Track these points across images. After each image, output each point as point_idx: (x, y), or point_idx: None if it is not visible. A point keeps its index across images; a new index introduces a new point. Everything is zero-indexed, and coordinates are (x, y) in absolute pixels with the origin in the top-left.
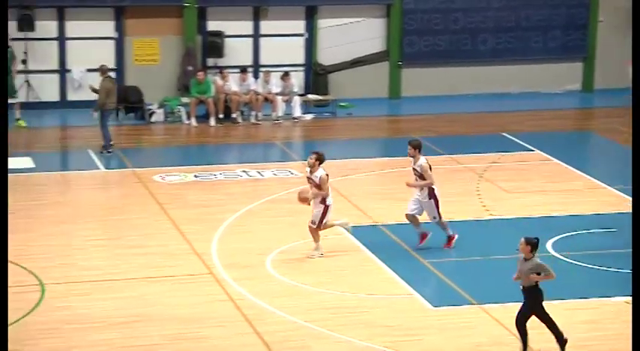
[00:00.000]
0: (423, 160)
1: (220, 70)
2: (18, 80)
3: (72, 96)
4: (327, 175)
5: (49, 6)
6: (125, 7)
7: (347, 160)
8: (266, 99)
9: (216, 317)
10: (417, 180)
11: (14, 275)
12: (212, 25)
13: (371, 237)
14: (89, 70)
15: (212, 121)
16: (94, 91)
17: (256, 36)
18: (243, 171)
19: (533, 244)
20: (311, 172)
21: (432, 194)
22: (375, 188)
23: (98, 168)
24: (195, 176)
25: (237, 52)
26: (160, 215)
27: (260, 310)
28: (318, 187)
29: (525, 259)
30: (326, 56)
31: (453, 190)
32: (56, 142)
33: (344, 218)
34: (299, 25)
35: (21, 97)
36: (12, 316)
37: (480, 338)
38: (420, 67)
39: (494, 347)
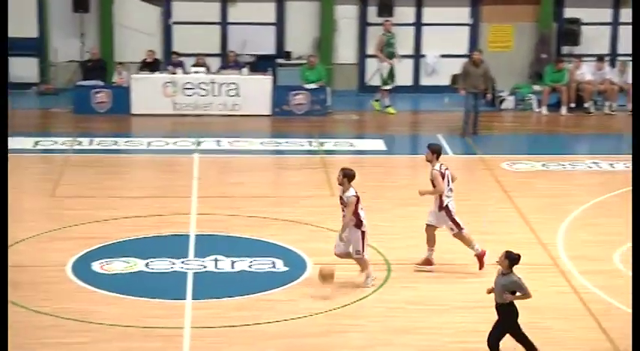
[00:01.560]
0: (437, 166)
1: (576, 58)
2: (374, 66)
3: (425, 81)
4: (358, 196)
5: None
6: None
7: None
8: (621, 89)
9: (560, 309)
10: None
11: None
12: (569, 12)
13: None
14: (443, 56)
15: (563, 110)
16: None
17: (615, 24)
18: (594, 162)
19: (513, 260)
20: (343, 192)
21: (441, 205)
22: None
23: (446, 153)
24: (543, 165)
25: (594, 40)
26: (505, 203)
27: (606, 305)
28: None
29: (503, 274)
30: None
31: None
32: (407, 126)
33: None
34: None
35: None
36: (359, 293)
37: None
38: None
39: None
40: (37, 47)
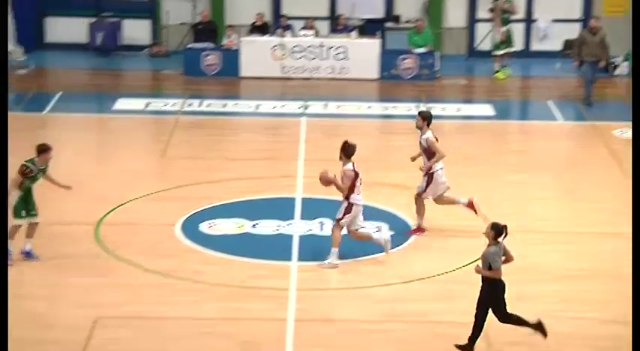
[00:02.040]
0: (429, 133)
1: None
2: (484, 30)
3: (536, 46)
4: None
5: None
6: None
7: None
8: None
9: None
10: (421, 155)
11: (470, 220)
12: None
13: None
14: (555, 21)
15: None
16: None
17: None
18: None
19: (498, 230)
20: (343, 165)
21: (428, 171)
22: None
23: (556, 119)
24: None
25: None
26: (616, 171)
27: None
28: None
29: (488, 246)
30: None
31: None
32: (517, 92)
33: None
34: None
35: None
36: (464, 258)
37: None
38: None
39: None
40: (149, 10)
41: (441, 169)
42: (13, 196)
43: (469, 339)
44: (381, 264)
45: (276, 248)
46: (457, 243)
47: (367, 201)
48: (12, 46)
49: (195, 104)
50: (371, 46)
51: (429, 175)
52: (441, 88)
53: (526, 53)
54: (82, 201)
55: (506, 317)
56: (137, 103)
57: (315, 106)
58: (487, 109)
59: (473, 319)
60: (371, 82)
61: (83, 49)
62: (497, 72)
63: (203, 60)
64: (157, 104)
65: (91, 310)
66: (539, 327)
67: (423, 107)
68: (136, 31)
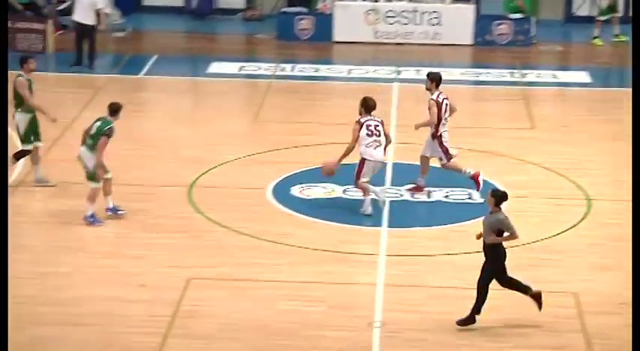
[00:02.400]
0: (434, 95)
1: None
2: None
3: None
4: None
5: None
6: None
7: None
8: None
9: None
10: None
11: (562, 188)
12: None
13: None
14: None
15: None
16: None
17: None
18: None
19: (499, 197)
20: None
21: (435, 134)
22: None
23: None
24: None
25: None
26: None
27: None
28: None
29: (490, 213)
30: None
31: None
32: (615, 58)
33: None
34: None
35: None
36: (556, 227)
37: None
38: None
39: None
40: None
41: (445, 132)
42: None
43: (472, 310)
44: (471, 231)
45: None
46: (554, 210)
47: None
48: (110, 9)
49: (287, 68)
50: (465, 11)
51: (439, 139)
52: (537, 54)
53: (625, 19)
54: (175, 163)
55: (509, 282)
56: (231, 67)
57: (408, 72)
58: (583, 77)
59: (509, 288)
60: (464, 48)
61: (179, 12)
62: (595, 38)
63: (296, 24)
64: (251, 68)
65: (184, 270)
66: (537, 297)
67: (517, 74)
68: None
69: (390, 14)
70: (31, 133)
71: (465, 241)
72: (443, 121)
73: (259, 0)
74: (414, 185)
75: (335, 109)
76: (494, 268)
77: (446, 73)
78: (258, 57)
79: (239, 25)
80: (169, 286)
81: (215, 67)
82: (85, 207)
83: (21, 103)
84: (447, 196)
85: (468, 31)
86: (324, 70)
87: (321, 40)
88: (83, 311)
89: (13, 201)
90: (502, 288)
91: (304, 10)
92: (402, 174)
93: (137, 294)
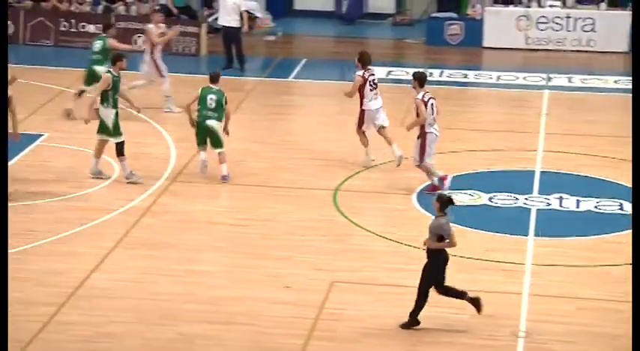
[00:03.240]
0: (419, 95)
1: None
2: None
3: None
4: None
5: None
6: None
7: None
8: None
9: None
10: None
11: None
12: None
13: None
14: None
15: None
16: None
17: None
18: None
19: (443, 202)
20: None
21: (421, 134)
22: None
23: None
24: None
25: None
26: None
27: None
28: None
29: (435, 218)
30: None
31: None
32: None
33: None
34: None
35: None
36: None
37: None
38: None
39: None
40: None
41: (430, 133)
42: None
43: (411, 314)
44: (624, 243)
45: (512, 222)
46: None
47: (608, 176)
48: (261, 13)
49: (436, 74)
50: (621, 18)
51: (422, 139)
52: None
53: None
54: (322, 166)
55: (444, 290)
56: (379, 72)
57: (559, 79)
58: None
59: (445, 295)
60: (619, 55)
61: (329, 16)
62: None
63: (446, 29)
64: (399, 73)
65: (327, 273)
66: (475, 302)
67: None
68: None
69: (541, 20)
70: (119, 126)
71: (616, 252)
72: (429, 122)
73: (409, 5)
74: (431, 185)
75: (483, 116)
76: (432, 271)
77: (599, 82)
78: (406, 62)
79: (388, 29)
80: (313, 288)
81: None
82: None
83: (106, 98)
84: (596, 207)
85: (624, 37)
86: (472, 75)
87: (471, 46)
88: (231, 310)
89: (162, 200)
90: None
91: (454, 15)
92: (550, 182)
93: (282, 295)
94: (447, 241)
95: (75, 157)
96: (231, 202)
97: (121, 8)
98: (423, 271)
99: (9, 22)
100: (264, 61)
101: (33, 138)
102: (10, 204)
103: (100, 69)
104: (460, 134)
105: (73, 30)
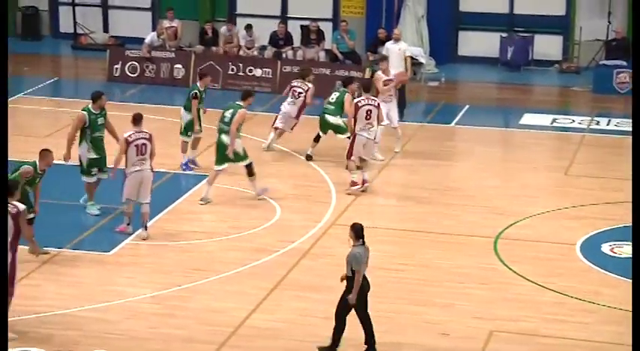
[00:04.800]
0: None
1: None
2: None
3: None
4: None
5: None
6: None
7: None
8: None
9: None
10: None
11: None
12: None
13: None
14: None
15: None
16: None
17: None
18: None
19: (356, 231)
20: None
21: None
22: None
23: None
24: None
25: None
26: None
27: None
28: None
29: (352, 246)
30: None
31: None
32: None
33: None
34: None
35: None
36: None
37: None
38: None
39: None
40: (562, 25)
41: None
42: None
43: (333, 338)
44: None
45: None
46: None
47: None
48: (425, 59)
49: (602, 122)
50: None
51: (353, 137)
52: None
53: None
54: (483, 213)
55: (364, 317)
56: (543, 119)
57: None
58: None
59: (361, 322)
60: None
61: (493, 63)
62: None
63: (615, 77)
64: (564, 121)
65: (487, 322)
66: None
67: None
68: (547, 46)
69: None
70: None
71: None
72: (362, 126)
73: (576, 52)
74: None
75: None
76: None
77: None
78: (571, 110)
79: (554, 76)
80: (472, 336)
81: (527, 119)
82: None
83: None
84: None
85: None
86: None
87: None
88: None
89: (321, 242)
90: None
91: (624, 63)
92: None
93: (439, 343)
94: (356, 273)
95: (237, 198)
96: (389, 246)
97: (289, 53)
98: (342, 296)
99: (179, 66)
100: (426, 106)
101: (199, 178)
102: (174, 242)
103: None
104: (625, 184)
105: (240, 74)
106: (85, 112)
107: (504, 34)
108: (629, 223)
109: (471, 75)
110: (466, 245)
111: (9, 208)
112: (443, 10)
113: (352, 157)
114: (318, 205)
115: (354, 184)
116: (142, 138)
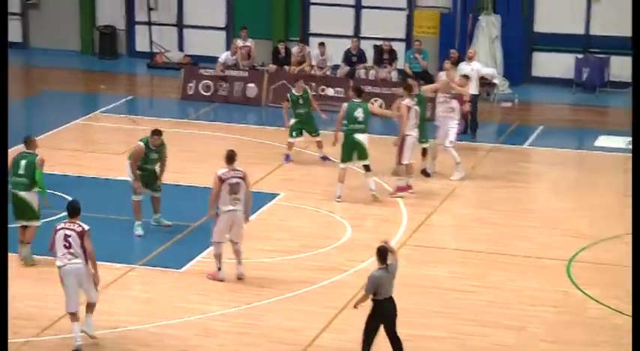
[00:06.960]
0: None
1: None
2: None
3: None
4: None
5: None
6: None
7: None
8: None
9: None
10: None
11: None
12: None
13: None
14: None
15: None
16: None
17: None
18: None
19: (379, 253)
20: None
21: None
22: None
23: None
24: None
25: None
26: None
27: None
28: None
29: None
30: None
31: None
32: None
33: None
34: None
35: None
36: None
37: None
38: None
39: None
40: None
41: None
42: None
43: None
44: None
45: None
46: None
47: None
48: (499, 80)
49: None
50: None
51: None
52: None
53: None
54: (556, 236)
55: (369, 335)
56: (618, 141)
57: None
58: None
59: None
60: None
61: (568, 84)
62: None
63: None
64: None
65: (558, 346)
66: None
67: None
68: (623, 67)
69: None
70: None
71: None
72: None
73: None
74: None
75: None
76: (377, 317)
77: None
78: None
79: (630, 98)
80: None
81: (602, 141)
82: None
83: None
84: None
85: None
86: None
87: None
88: None
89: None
90: None
91: None
92: None
93: None
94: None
95: (308, 216)
96: (459, 267)
97: (361, 72)
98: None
99: (252, 85)
100: (499, 127)
101: (269, 197)
102: (245, 260)
103: None
104: None
105: (312, 93)
106: (142, 144)
107: (580, 55)
108: None
109: (544, 96)
110: (538, 267)
111: (74, 227)
112: (517, 31)
113: (404, 162)
114: (388, 225)
115: (401, 189)
116: (235, 176)
